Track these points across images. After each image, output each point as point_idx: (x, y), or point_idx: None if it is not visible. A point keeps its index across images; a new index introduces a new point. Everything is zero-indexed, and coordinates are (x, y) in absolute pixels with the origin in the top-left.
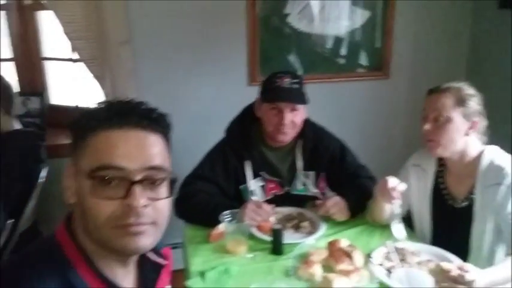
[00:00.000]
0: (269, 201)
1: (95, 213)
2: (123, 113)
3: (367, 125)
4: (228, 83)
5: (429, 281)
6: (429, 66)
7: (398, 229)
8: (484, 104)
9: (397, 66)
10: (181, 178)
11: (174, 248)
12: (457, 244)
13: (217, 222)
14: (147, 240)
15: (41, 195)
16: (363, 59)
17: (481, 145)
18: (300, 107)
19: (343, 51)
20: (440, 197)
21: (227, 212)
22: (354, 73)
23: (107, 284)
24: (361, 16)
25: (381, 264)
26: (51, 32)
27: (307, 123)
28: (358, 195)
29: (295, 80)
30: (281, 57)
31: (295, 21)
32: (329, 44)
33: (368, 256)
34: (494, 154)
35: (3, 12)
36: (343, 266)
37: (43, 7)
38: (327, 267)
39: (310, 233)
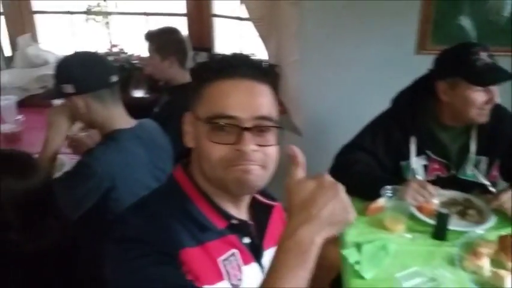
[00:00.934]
0: (431, 183)
1: (209, 155)
2: (235, 64)
3: None
4: (395, 49)
5: None
6: None
7: None
8: None
9: None
10: (337, 146)
11: None
12: None
13: (376, 195)
14: (256, 178)
15: None
16: None
17: None
18: None
19: None
20: None
21: (389, 187)
22: None
23: (223, 215)
24: None
25: None
26: None
27: None
28: None
29: (490, 54)
30: (454, 25)
31: None
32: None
33: None
34: None
35: None
36: None
37: None
38: (496, 262)
39: (478, 222)
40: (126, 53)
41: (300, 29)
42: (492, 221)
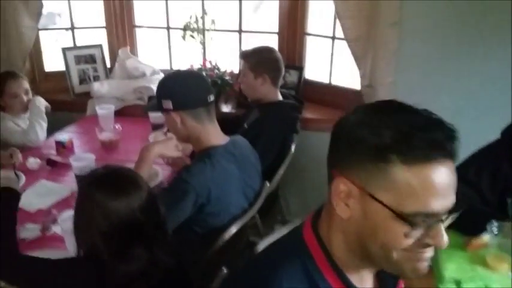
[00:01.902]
0: None
1: (393, 245)
2: (443, 142)
3: None
4: (501, 74)
5: None
6: None
7: None
8: None
9: None
10: None
11: None
12: None
13: (479, 230)
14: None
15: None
16: None
17: None
18: None
19: None
20: None
21: (495, 223)
22: None
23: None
24: None
25: None
26: (316, 9)
27: None
28: None
29: None
30: None
31: None
32: None
33: None
34: None
35: None
36: None
37: None
38: None
39: None
40: (219, 68)
41: (397, 50)
42: None
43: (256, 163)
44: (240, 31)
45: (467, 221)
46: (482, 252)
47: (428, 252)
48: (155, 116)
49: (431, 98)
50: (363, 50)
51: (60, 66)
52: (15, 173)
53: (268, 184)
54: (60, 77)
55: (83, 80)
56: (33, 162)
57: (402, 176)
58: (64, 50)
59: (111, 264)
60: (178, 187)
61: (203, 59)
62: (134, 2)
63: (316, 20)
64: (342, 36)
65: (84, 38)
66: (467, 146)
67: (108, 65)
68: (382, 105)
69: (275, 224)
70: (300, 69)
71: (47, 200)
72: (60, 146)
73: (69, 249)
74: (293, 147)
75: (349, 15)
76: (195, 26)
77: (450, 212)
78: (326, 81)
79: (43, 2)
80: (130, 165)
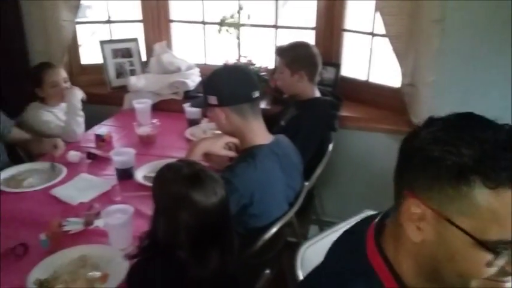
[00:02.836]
0: None
1: (469, 273)
2: None
3: None
4: None
5: None
6: None
7: None
8: None
9: None
10: None
11: None
12: None
13: None
14: None
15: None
16: None
17: None
18: None
19: None
20: None
21: None
22: None
23: None
24: None
25: None
26: (355, 5)
27: None
28: None
29: None
30: None
31: None
32: None
33: None
34: None
35: None
36: None
37: None
38: None
39: None
40: (254, 64)
41: (439, 48)
42: None
43: (298, 163)
44: (275, 26)
45: None
46: None
47: (509, 282)
48: (191, 112)
49: (477, 97)
50: (404, 47)
51: (96, 59)
52: (53, 165)
53: (306, 184)
54: (96, 70)
55: (119, 73)
56: (73, 155)
57: (485, 201)
58: (102, 43)
59: (188, 265)
60: None
61: (239, 54)
62: None
63: (354, 15)
64: (381, 32)
65: (118, 32)
66: None
67: (143, 59)
68: (460, 119)
69: (309, 224)
70: (336, 66)
71: (88, 194)
72: (99, 139)
73: (113, 244)
74: (331, 146)
75: (391, 11)
76: (231, 20)
77: None
78: (363, 78)
79: None
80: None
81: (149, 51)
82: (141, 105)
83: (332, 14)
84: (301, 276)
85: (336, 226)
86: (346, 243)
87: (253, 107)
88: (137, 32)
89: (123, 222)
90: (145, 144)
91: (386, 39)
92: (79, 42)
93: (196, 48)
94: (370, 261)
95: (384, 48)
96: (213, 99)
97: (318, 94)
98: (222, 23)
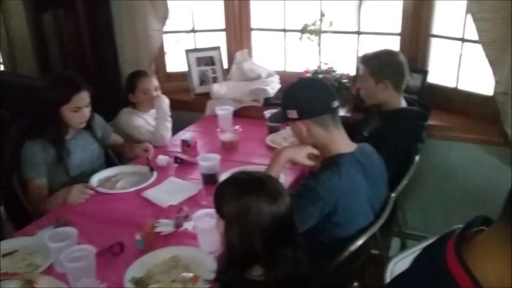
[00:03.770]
0: None
1: None
2: None
3: None
4: None
5: None
6: None
7: None
8: None
9: None
10: None
11: None
12: None
13: None
14: None
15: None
16: None
17: None
18: None
19: None
20: None
21: None
22: None
23: None
24: None
25: None
26: (444, 9)
27: None
28: None
29: None
30: None
31: None
32: None
33: None
34: None
35: None
36: None
37: None
38: None
39: None
40: (335, 71)
41: None
42: None
43: (383, 172)
44: (358, 32)
45: None
46: None
47: None
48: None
49: None
50: (499, 54)
51: (180, 67)
52: (151, 168)
53: (393, 195)
54: (180, 77)
55: (202, 81)
56: (162, 159)
57: None
58: (187, 51)
59: (265, 269)
60: (306, 194)
61: (320, 61)
62: (251, 2)
63: (443, 19)
64: (472, 38)
65: (201, 40)
66: None
67: (225, 66)
68: None
69: (392, 236)
70: (423, 72)
71: (177, 197)
72: (185, 144)
73: (202, 247)
74: (417, 157)
75: (485, 16)
76: (313, 28)
77: None
78: (452, 85)
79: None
80: (250, 168)
81: (231, 59)
82: (224, 111)
83: (419, 19)
84: None
85: (427, 241)
86: (426, 255)
87: (333, 117)
88: (219, 40)
89: (212, 227)
90: (227, 150)
91: (478, 44)
92: (165, 51)
93: (276, 55)
94: (451, 272)
95: (474, 53)
96: (293, 113)
97: (404, 104)
98: (303, 30)
